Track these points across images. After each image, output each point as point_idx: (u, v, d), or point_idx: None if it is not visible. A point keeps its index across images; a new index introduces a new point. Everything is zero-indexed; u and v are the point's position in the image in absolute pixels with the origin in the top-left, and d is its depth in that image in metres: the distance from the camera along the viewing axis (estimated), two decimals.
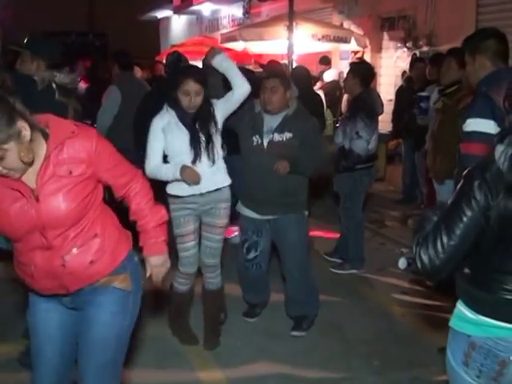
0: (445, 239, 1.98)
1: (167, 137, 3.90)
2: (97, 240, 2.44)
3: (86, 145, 2.35)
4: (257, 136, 4.18)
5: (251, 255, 4.40)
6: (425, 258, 2.02)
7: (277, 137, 4.13)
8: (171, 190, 3.98)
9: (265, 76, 4.39)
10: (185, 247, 4.04)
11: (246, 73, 6.76)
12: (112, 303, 2.51)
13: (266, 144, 4.17)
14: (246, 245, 4.40)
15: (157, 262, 2.67)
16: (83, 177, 2.34)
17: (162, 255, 2.68)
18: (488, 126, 3.06)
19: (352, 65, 6.05)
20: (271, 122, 4.18)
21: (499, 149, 1.92)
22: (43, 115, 2.34)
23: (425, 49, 9.37)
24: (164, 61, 6.57)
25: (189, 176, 3.80)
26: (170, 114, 3.92)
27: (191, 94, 3.82)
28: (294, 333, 4.39)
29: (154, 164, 3.89)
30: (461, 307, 2.10)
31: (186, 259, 4.06)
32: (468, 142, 3.21)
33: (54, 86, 3.78)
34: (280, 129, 4.14)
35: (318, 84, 9.62)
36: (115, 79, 6.30)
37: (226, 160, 4.15)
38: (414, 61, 8.35)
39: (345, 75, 6.06)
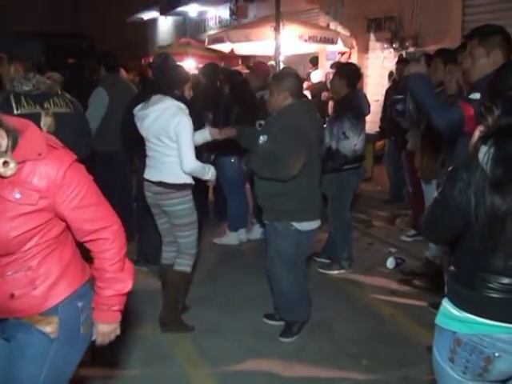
0: (432, 234, 2.05)
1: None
2: (28, 274, 2.13)
3: (50, 172, 2.02)
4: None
5: None
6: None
7: (261, 139, 4.17)
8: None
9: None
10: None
11: (234, 74, 6.82)
12: (28, 346, 2.20)
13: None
14: None
15: (104, 330, 2.35)
16: (32, 208, 2.03)
17: (112, 324, 2.36)
18: None
19: (338, 66, 6.06)
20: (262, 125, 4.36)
21: (483, 150, 1.95)
22: (24, 120, 2.10)
23: (411, 49, 9.42)
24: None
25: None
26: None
27: None
28: (281, 339, 4.35)
29: (197, 162, 4.09)
30: (446, 304, 2.13)
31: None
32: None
33: (11, 99, 3.53)
34: (263, 131, 4.23)
35: (305, 85, 9.65)
36: (102, 81, 6.28)
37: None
38: (398, 62, 8.40)
39: (331, 76, 6.10)
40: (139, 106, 4.29)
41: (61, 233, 2.20)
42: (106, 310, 2.29)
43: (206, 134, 4.46)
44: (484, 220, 1.94)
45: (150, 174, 4.24)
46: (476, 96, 3.10)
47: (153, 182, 4.22)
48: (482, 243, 1.97)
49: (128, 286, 2.29)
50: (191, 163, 4.06)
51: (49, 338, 2.20)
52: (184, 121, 4.04)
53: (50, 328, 2.19)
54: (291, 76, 4.23)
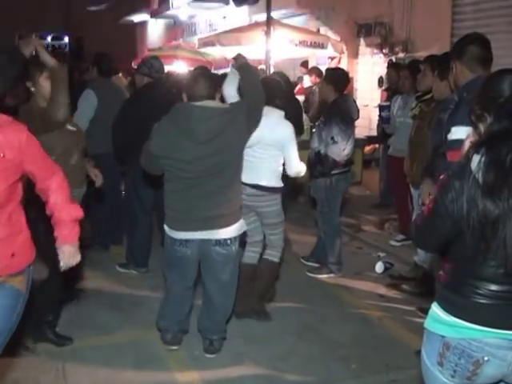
0: (423, 242, 2.06)
1: None
2: (21, 235, 2.68)
3: (18, 134, 2.56)
4: None
5: None
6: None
7: None
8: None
9: None
10: None
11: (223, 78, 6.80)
12: (5, 296, 2.65)
13: None
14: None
15: (69, 250, 2.81)
16: (13, 162, 2.53)
17: (74, 245, 2.83)
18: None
19: (326, 71, 6.08)
20: None
21: (475, 159, 1.96)
22: None
23: (401, 55, 9.48)
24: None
25: None
26: None
27: None
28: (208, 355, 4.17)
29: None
30: (435, 309, 2.15)
31: None
32: (454, 150, 3.11)
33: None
34: None
35: (296, 88, 9.69)
36: (92, 83, 6.25)
37: None
38: (388, 67, 8.46)
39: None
40: None
41: (22, 196, 2.71)
42: (68, 232, 2.80)
43: None
44: (476, 226, 1.95)
45: (245, 177, 4.25)
46: (457, 136, 3.15)
47: (247, 185, 4.35)
48: (472, 250, 1.99)
49: (80, 212, 2.86)
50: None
51: (20, 293, 2.70)
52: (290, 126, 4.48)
53: (20, 285, 2.69)
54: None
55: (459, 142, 3.06)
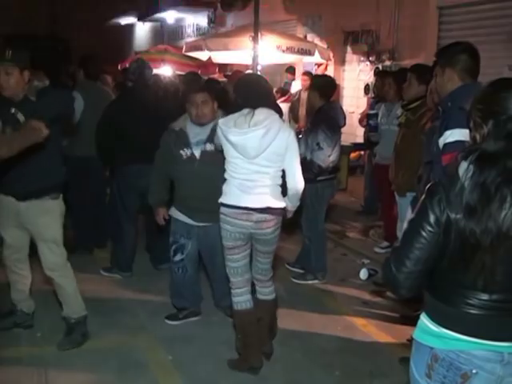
0: (405, 253, 2.04)
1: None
2: None
3: None
4: (185, 149, 4.34)
5: (177, 257, 4.56)
6: (388, 269, 2.07)
7: (208, 146, 4.28)
8: None
9: (193, 91, 4.42)
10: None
11: (212, 83, 6.81)
12: None
13: (198, 155, 4.33)
14: (173, 247, 4.55)
15: None
16: None
17: None
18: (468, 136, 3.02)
19: (313, 78, 6.10)
20: (201, 133, 4.34)
21: (463, 166, 1.96)
22: None
23: (387, 63, 9.54)
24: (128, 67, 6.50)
25: None
26: None
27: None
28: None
29: None
30: (424, 319, 2.13)
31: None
32: (451, 152, 3.04)
33: None
34: (211, 139, 4.24)
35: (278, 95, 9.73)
36: (78, 86, 6.22)
37: None
38: (376, 74, 8.51)
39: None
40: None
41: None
42: None
43: None
44: (457, 238, 1.95)
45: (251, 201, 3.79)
46: (454, 138, 3.13)
47: (254, 210, 3.78)
48: (454, 259, 1.99)
49: None
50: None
51: None
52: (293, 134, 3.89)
53: None
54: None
55: (455, 144, 3.06)
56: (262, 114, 3.71)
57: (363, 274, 5.84)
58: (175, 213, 4.53)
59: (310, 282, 5.69)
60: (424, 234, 2.00)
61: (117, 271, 5.60)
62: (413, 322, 2.23)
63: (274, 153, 3.72)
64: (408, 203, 4.42)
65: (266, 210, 3.78)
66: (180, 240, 4.52)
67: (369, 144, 7.58)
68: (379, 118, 6.63)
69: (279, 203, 3.85)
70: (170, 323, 4.69)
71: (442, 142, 3.23)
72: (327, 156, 5.36)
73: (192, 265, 4.63)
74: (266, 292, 4.12)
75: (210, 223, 4.32)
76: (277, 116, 3.82)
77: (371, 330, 4.76)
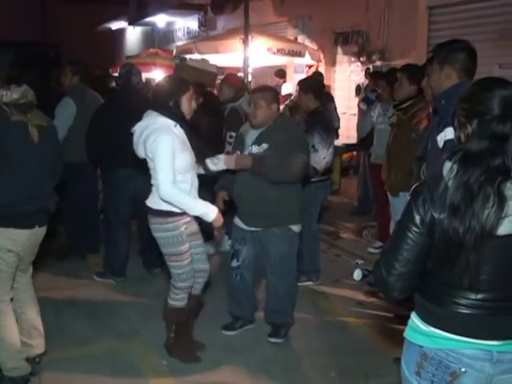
0: (393, 255, 2.04)
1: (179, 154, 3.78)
2: None
3: None
4: (238, 152, 4.30)
5: (234, 264, 4.48)
6: (378, 272, 2.08)
7: (255, 149, 4.20)
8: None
9: (251, 91, 4.45)
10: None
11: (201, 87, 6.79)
12: None
13: None
14: (231, 252, 4.52)
15: None
16: None
17: None
18: None
19: (301, 82, 6.04)
20: (254, 135, 4.27)
21: (447, 166, 1.96)
22: None
23: (378, 63, 9.56)
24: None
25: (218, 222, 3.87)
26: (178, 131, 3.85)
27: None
28: (272, 339, 4.44)
29: (175, 187, 3.71)
30: (414, 318, 2.15)
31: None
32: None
33: (4, 106, 3.45)
34: (258, 141, 4.20)
35: None
36: (70, 90, 6.19)
37: None
38: (367, 75, 8.54)
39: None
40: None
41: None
42: None
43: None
44: (441, 237, 1.95)
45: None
46: (448, 137, 3.09)
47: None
48: (440, 259, 1.99)
49: None
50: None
51: None
52: (161, 139, 3.70)
53: None
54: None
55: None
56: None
57: (357, 274, 5.84)
58: (235, 218, 4.47)
59: (303, 283, 5.67)
60: (410, 235, 2.01)
61: (110, 276, 5.57)
62: (407, 321, 2.23)
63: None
64: (401, 203, 4.42)
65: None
66: (235, 245, 4.45)
67: (363, 145, 7.57)
68: (375, 118, 6.63)
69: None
70: (227, 333, 4.58)
71: (441, 139, 3.21)
72: (322, 158, 5.34)
73: (248, 271, 4.48)
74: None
75: (260, 228, 4.29)
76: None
77: (365, 331, 4.76)
